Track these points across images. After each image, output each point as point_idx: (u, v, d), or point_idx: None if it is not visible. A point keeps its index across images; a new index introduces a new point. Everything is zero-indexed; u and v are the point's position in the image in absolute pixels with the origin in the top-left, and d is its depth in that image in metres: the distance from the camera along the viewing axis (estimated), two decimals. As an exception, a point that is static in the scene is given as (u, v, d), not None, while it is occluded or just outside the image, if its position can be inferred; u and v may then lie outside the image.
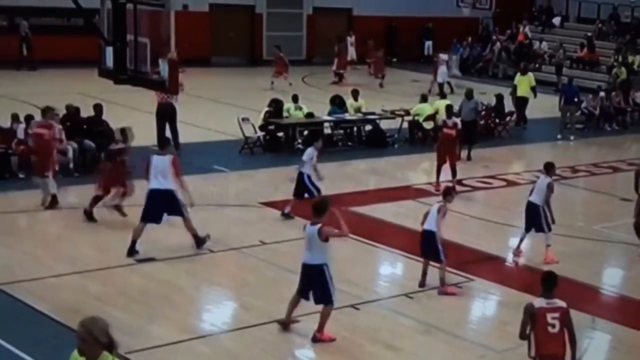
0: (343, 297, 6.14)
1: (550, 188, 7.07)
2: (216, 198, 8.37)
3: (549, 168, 7.22)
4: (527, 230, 7.23)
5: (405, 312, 6.03)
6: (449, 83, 15.74)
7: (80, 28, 15.00)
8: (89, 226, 7.44)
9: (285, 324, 5.56)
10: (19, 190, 8.54)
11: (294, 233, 7.60)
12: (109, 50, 6.55)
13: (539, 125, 14.09)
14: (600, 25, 19.56)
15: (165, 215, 6.70)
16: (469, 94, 11.43)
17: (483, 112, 12.69)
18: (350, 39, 18.43)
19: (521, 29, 19.77)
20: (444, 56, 16.20)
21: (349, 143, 11.62)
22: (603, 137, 13.46)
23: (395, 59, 19.83)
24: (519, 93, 13.47)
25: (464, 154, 11.10)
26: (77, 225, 7.28)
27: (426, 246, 6.39)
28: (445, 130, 9.66)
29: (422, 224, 6.46)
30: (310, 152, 7.80)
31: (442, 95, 13.21)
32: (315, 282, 5.37)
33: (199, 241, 6.95)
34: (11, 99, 12.27)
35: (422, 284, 6.45)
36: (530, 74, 14.20)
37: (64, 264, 6.59)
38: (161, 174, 6.59)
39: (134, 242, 6.72)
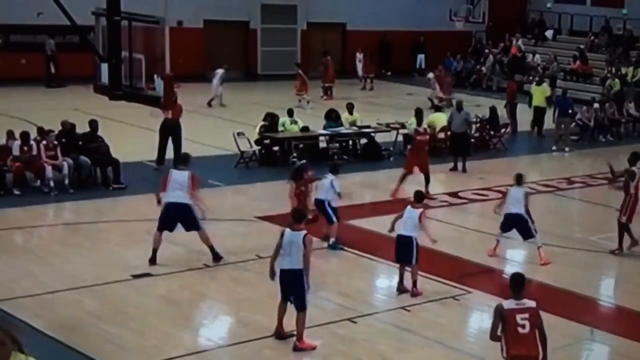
0: (340, 311, 6.13)
1: (526, 196, 7.37)
2: (212, 212, 8.31)
3: (520, 178, 7.51)
4: (525, 239, 7.39)
5: (403, 325, 6.00)
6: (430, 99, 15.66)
7: (76, 45, 15.15)
8: (84, 242, 7.41)
9: (280, 334, 5.56)
10: (14, 206, 8.51)
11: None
12: (104, 67, 6.60)
13: (534, 137, 14.17)
14: (592, 37, 19.78)
15: (178, 225, 6.78)
16: (459, 106, 11.49)
17: (477, 124, 12.78)
18: (359, 56, 18.47)
19: (514, 42, 19.97)
20: (431, 75, 16.23)
21: (345, 157, 11.65)
22: (598, 148, 13.52)
23: (389, 73, 20.01)
24: (534, 103, 13.96)
25: (458, 166, 11.14)
26: (73, 241, 7.25)
27: (403, 251, 6.48)
28: (418, 138, 9.67)
29: (392, 229, 6.55)
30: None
31: (436, 109, 13.28)
32: (294, 288, 5.41)
33: (215, 255, 6.99)
34: (6, 115, 12.29)
35: (400, 289, 6.51)
36: (545, 84, 14.73)
37: (59, 280, 6.55)
38: (180, 188, 6.66)
39: (154, 251, 6.81)
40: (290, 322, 5.58)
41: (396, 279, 6.68)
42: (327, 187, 7.52)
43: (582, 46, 19.12)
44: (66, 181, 9.09)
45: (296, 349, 5.44)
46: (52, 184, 8.93)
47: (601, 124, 14.23)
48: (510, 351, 4.33)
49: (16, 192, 8.88)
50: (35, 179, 9.14)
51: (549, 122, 13.88)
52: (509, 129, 13.57)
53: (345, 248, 7.52)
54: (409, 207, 6.55)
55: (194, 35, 17.57)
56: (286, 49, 18.98)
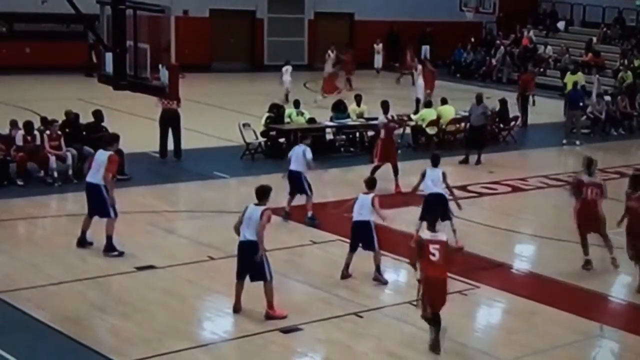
0: (346, 305, 6.07)
1: (444, 176, 7.35)
2: (217, 204, 8.29)
3: (436, 158, 7.50)
4: (442, 220, 7.16)
5: (409, 320, 5.91)
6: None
7: (80, 34, 15.05)
8: (88, 234, 7.35)
9: (236, 309, 5.74)
10: (18, 197, 8.46)
11: (295, 240, 7.51)
12: (109, 56, 6.51)
13: (544, 130, 13.99)
14: (605, 29, 19.45)
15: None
16: (479, 99, 11.37)
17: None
18: (377, 47, 18.15)
19: (525, 33, 19.69)
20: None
21: (351, 149, 11.52)
22: (609, 142, 13.33)
23: (397, 64, 19.79)
24: (628, 81, 14.83)
25: (473, 159, 11.00)
26: (76, 232, 7.18)
27: (359, 237, 6.50)
28: (388, 126, 9.37)
29: (353, 215, 6.53)
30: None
31: (443, 102, 13.01)
32: (252, 260, 5.56)
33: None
34: (9, 105, 12.25)
35: (345, 275, 6.52)
36: (579, 73, 14.73)
37: (63, 271, 6.52)
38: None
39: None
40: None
41: (403, 273, 6.61)
42: (300, 157, 7.58)
43: (594, 38, 18.82)
44: (70, 172, 9.04)
45: (268, 316, 5.68)
46: (55, 174, 8.89)
47: (613, 117, 14.00)
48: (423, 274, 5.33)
49: (19, 182, 8.84)
50: (39, 169, 9.10)
51: (560, 115, 13.68)
52: (519, 122, 13.39)
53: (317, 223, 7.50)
54: (360, 194, 6.54)
55: (199, 24, 17.42)
56: (293, 39, 18.79)
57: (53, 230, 7.83)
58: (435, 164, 7.42)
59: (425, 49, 19.89)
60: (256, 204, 5.75)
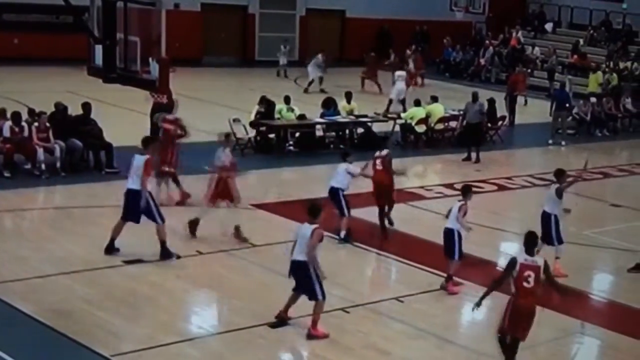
0: (333, 301, 6.09)
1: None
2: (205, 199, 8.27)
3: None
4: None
5: (396, 316, 5.99)
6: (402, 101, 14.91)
7: (70, 25, 14.84)
8: (76, 227, 7.33)
9: (282, 318, 5.58)
10: (4, 189, 8.36)
11: (285, 235, 7.54)
12: (99, 49, 6.46)
13: (531, 130, 14.15)
14: (592, 31, 19.68)
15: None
16: (475, 97, 11.48)
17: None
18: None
19: (514, 34, 19.85)
20: (400, 73, 15.50)
21: (341, 146, 11.56)
22: (594, 142, 13.51)
23: (387, 62, 19.85)
24: (589, 89, 15.24)
25: (472, 156, 11.07)
26: (64, 225, 7.17)
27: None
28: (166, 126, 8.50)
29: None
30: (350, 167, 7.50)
31: (434, 100, 13.12)
32: (301, 279, 5.47)
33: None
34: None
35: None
36: (599, 72, 15.60)
37: (50, 264, 6.47)
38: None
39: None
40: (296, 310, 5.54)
41: (391, 269, 6.67)
42: (341, 174, 7.39)
43: (580, 40, 19.06)
44: (58, 164, 8.95)
45: (309, 336, 5.49)
46: (43, 166, 8.78)
47: (598, 119, 14.21)
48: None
49: (6, 174, 8.73)
50: (26, 161, 9.00)
51: (546, 115, 13.85)
52: (506, 122, 13.53)
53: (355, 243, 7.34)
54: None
55: (190, 18, 17.29)
56: (285, 35, 18.75)
57: (40, 222, 7.75)
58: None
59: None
60: (309, 222, 5.50)
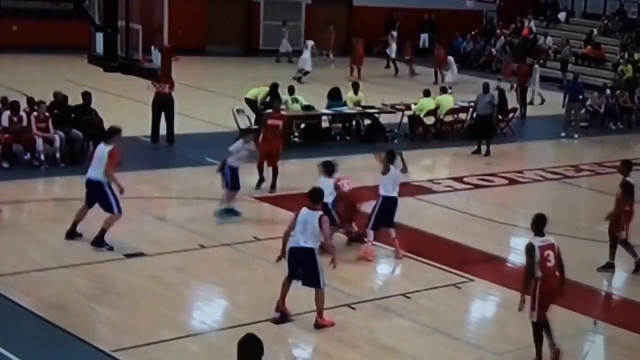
0: (339, 297, 5.99)
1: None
2: (208, 192, 8.14)
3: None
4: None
5: (403, 312, 5.87)
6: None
7: (70, 13, 14.65)
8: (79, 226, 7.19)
9: (282, 312, 5.49)
10: (3, 180, 8.24)
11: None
12: (100, 37, 6.33)
13: (543, 123, 13.90)
14: (606, 21, 19.28)
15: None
16: (486, 88, 11.27)
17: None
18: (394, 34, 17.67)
19: (526, 24, 19.49)
20: (451, 59, 15.86)
21: (348, 137, 11.38)
22: (608, 136, 13.26)
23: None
24: (626, 76, 15.30)
25: (482, 149, 10.87)
26: (64, 218, 7.03)
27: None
28: (270, 122, 8.51)
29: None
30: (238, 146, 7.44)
31: (443, 91, 12.95)
32: (307, 266, 5.38)
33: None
34: None
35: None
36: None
37: (49, 258, 6.37)
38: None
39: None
40: (294, 304, 5.45)
41: (397, 265, 6.51)
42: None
43: (594, 30, 18.66)
44: (58, 155, 8.81)
45: (317, 325, 5.42)
46: (42, 157, 8.66)
47: (612, 111, 13.90)
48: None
49: (5, 165, 8.61)
50: (25, 152, 8.87)
51: (559, 107, 13.57)
52: (517, 114, 13.27)
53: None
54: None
55: (194, 6, 17.06)
56: (290, 24, 18.50)
57: (40, 215, 7.66)
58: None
59: (424, 37, 19.68)
60: (310, 208, 5.36)
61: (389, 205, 6.83)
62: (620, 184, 6.97)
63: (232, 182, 7.38)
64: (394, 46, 16.75)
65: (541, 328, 5.07)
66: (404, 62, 17.22)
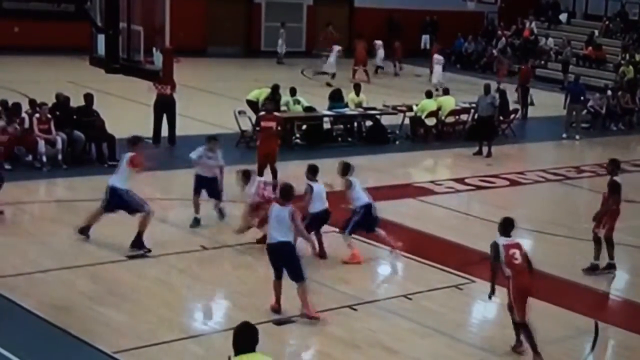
0: (340, 298, 5.99)
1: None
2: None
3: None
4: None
5: (404, 313, 5.87)
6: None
7: (72, 14, 14.61)
8: (78, 220, 7.20)
9: (277, 314, 5.52)
10: (5, 181, 8.10)
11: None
12: (101, 38, 6.33)
13: (544, 124, 13.88)
14: (607, 22, 19.28)
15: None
16: (487, 89, 11.26)
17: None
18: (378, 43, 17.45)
19: (527, 25, 19.50)
20: (439, 57, 15.85)
21: (349, 139, 11.38)
22: (609, 137, 13.25)
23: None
24: (629, 76, 15.48)
25: (483, 150, 10.88)
26: (66, 219, 7.06)
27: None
28: (263, 123, 8.55)
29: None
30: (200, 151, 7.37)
31: (445, 92, 12.94)
32: (286, 260, 5.46)
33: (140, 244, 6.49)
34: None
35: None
36: None
37: (51, 259, 6.39)
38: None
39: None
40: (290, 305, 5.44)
41: (398, 266, 6.51)
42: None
43: (595, 31, 18.65)
44: (59, 156, 8.83)
45: (308, 317, 5.47)
46: (44, 159, 8.67)
47: (613, 112, 13.90)
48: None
49: (7, 166, 8.59)
50: (27, 153, 8.88)
51: (560, 108, 13.57)
52: (518, 115, 13.27)
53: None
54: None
55: (195, 7, 17.06)
56: (291, 25, 18.51)
57: (42, 216, 7.66)
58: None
59: (425, 38, 19.67)
60: (280, 204, 5.47)
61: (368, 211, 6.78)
62: (608, 182, 6.93)
63: (196, 188, 7.32)
64: (380, 53, 16.79)
65: (526, 326, 5.16)
66: (396, 61, 17.26)
